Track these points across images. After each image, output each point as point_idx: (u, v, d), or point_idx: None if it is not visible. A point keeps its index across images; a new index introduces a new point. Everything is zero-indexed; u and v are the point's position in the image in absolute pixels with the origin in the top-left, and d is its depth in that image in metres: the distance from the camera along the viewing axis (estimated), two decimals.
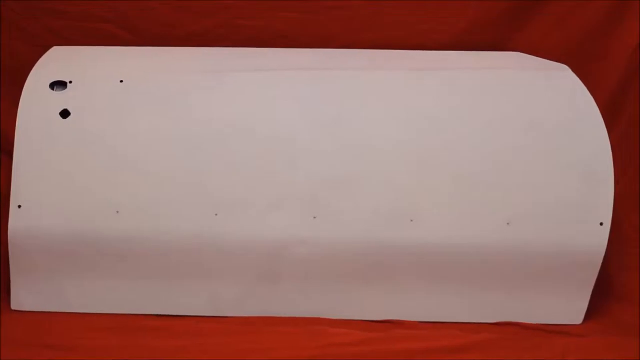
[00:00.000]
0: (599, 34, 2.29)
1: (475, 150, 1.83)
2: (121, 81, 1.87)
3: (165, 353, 1.68)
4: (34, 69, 1.90)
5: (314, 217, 1.80)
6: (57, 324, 1.79)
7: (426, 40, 2.29)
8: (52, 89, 1.85)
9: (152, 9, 2.25)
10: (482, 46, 2.29)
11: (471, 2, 2.29)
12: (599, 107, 1.88)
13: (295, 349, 1.69)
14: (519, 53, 2.27)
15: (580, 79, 1.94)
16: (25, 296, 1.84)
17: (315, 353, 1.68)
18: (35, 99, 1.83)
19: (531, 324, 1.86)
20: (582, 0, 2.28)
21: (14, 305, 1.84)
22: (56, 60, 1.98)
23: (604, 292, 1.97)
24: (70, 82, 1.86)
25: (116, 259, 1.81)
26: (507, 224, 1.81)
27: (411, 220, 1.80)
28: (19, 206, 1.78)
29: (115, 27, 2.25)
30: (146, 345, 1.70)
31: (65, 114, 1.81)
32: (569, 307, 1.89)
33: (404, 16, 2.28)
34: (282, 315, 1.85)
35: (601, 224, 1.81)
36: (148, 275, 1.83)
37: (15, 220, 1.78)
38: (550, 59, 2.13)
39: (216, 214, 1.79)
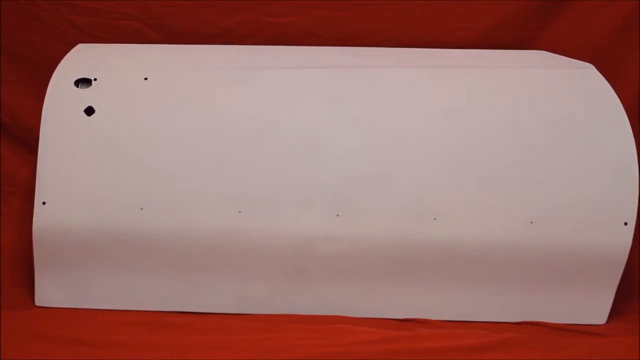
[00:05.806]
0: (624, 33, 2.27)
1: (499, 149, 1.83)
2: (146, 79, 1.88)
3: (190, 349, 1.68)
4: (59, 66, 1.91)
5: (339, 215, 1.80)
6: (81, 320, 1.79)
7: (452, 39, 2.28)
8: (77, 86, 1.86)
9: (178, 6, 2.24)
10: (508, 45, 2.28)
11: (497, 0, 2.28)
12: (624, 106, 1.87)
13: (320, 347, 1.69)
14: (544, 52, 2.26)
15: (606, 78, 1.93)
16: (49, 292, 1.85)
17: (339, 351, 1.68)
18: (60, 96, 1.84)
19: (555, 324, 1.85)
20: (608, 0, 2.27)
21: (38, 302, 1.86)
22: (81, 58, 1.99)
23: (627, 292, 1.97)
24: (95, 79, 1.86)
25: (140, 256, 1.82)
26: (531, 222, 1.80)
27: (434, 219, 1.80)
28: (44, 203, 1.78)
29: (140, 24, 2.25)
30: (171, 341, 1.70)
31: (89, 111, 1.82)
32: (592, 306, 1.88)
33: (430, 14, 2.28)
34: (307, 313, 1.85)
35: (625, 223, 1.80)
36: (172, 273, 1.84)
37: (40, 217, 1.78)
38: (575, 58, 2.12)
39: (240, 212, 1.79)
